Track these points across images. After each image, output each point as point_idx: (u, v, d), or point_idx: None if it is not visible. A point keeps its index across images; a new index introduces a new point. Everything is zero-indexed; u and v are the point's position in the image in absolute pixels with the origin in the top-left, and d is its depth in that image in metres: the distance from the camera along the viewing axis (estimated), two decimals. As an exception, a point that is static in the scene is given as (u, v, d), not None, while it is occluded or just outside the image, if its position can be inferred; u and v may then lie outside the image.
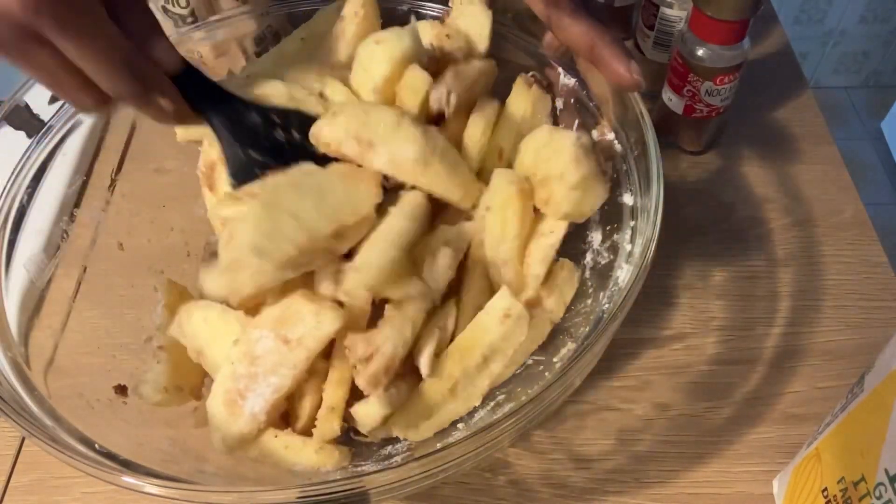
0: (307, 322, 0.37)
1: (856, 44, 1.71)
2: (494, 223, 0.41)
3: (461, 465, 0.34)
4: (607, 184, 0.41)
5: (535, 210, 0.43)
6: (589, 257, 0.44)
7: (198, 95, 0.39)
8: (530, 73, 0.47)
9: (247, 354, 0.38)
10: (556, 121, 0.47)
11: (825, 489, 0.36)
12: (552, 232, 0.42)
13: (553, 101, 0.47)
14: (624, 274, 0.39)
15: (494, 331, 0.39)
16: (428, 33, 0.46)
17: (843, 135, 1.72)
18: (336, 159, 0.41)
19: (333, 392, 0.39)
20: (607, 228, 0.44)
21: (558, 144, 0.42)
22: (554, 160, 0.41)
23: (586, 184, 0.40)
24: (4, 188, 0.42)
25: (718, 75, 0.54)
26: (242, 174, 0.40)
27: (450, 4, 0.49)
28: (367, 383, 0.36)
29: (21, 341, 0.39)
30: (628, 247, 0.40)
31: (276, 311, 0.38)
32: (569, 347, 0.40)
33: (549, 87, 0.47)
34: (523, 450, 0.45)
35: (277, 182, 0.38)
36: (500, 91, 0.50)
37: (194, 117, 0.39)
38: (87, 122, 0.47)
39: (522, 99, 0.46)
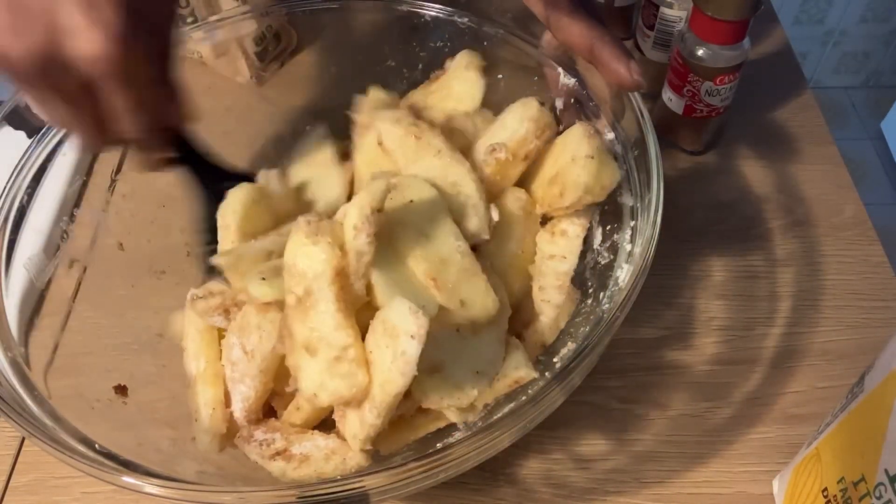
0: (253, 336, 0.38)
1: (856, 44, 1.70)
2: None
3: (461, 466, 0.34)
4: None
5: (543, 223, 0.43)
6: (589, 257, 0.44)
7: (185, 154, 0.42)
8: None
9: (227, 359, 0.39)
10: (556, 124, 0.47)
11: (825, 489, 0.36)
12: (565, 257, 0.42)
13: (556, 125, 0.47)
14: (624, 274, 0.39)
15: (501, 390, 0.39)
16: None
17: (843, 135, 1.72)
18: None
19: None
20: (607, 228, 0.44)
21: (564, 140, 0.42)
22: (562, 154, 0.42)
23: (601, 156, 0.40)
24: (4, 188, 0.42)
25: (718, 75, 0.54)
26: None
27: (444, 67, 0.50)
28: (360, 448, 0.36)
29: (21, 341, 0.39)
30: (628, 247, 0.40)
31: (238, 318, 0.39)
32: (569, 347, 0.40)
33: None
34: (523, 450, 0.45)
35: None
36: (499, 92, 0.50)
37: (172, 167, 0.41)
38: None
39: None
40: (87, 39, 0.29)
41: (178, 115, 0.37)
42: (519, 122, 0.43)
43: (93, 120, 0.33)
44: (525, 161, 0.43)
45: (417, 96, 0.50)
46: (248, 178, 0.45)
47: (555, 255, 0.42)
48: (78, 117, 0.33)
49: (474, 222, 0.41)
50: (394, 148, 0.43)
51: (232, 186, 0.43)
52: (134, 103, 0.33)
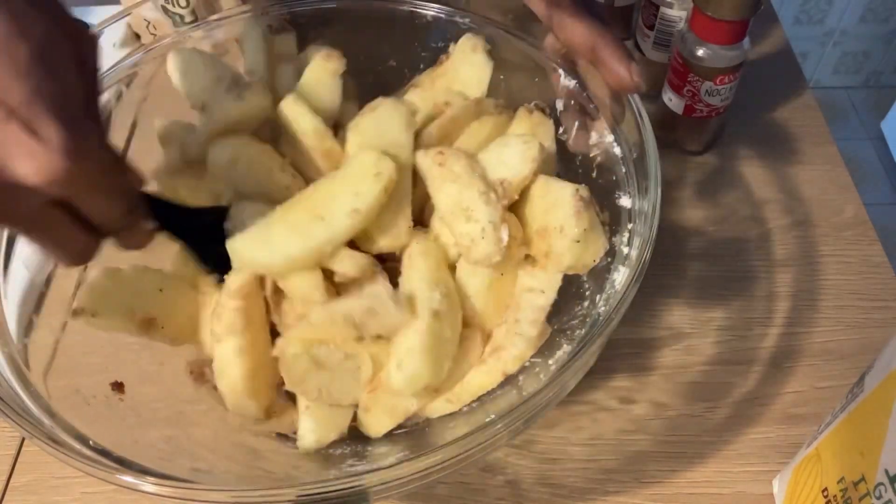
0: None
1: (856, 44, 1.70)
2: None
3: (456, 465, 0.34)
4: (606, 234, 0.41)
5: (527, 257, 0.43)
6: (587, 259, 0.44)
7: (156, 211, 0.38)
8: (532, 103, 0.47)
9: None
10: (556, 124, 0.47)
11: (825, 489, 0.36)
12: (543, 292, 0.41)
13: (556, 126, 0.47)
14: (620, 276, 0.39)
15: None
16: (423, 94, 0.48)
17: (843, 135, 1.72)
18: None
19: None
20: (605, 231, 0.43)
21: (557, 196, 0.41)
22: (553, 212, 0.41)
23: (587, 236, 0.39)
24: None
25: (718, 75, 0.54)
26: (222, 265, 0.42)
27: (450, 50, 0.49)
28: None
29: (21, 340, 0.39)
30: (625, 249, 0.40)
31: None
32: (564, 349, 0.40)
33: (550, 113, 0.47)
34: (522, 449, 0.45)
35: None
36: (500, 93, 0.50)
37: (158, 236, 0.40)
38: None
39: (524, 127, 0.46)
40: (40, 163, 0.26)
41: (137, 182, 0.35)
42: (522, 161, 0.42)
43: (74, 230, 0.32)
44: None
45: (423, 80, 0.50)
46: (221, 211, 0.43)
47: (533, 288, 0.41)
48: (52, 236, 0.31)
49: (481, 248, 0.40)
50: (426, 176, 0.43)
51: (211, 220, 0.42)
52: (107, 194, 0.31)
